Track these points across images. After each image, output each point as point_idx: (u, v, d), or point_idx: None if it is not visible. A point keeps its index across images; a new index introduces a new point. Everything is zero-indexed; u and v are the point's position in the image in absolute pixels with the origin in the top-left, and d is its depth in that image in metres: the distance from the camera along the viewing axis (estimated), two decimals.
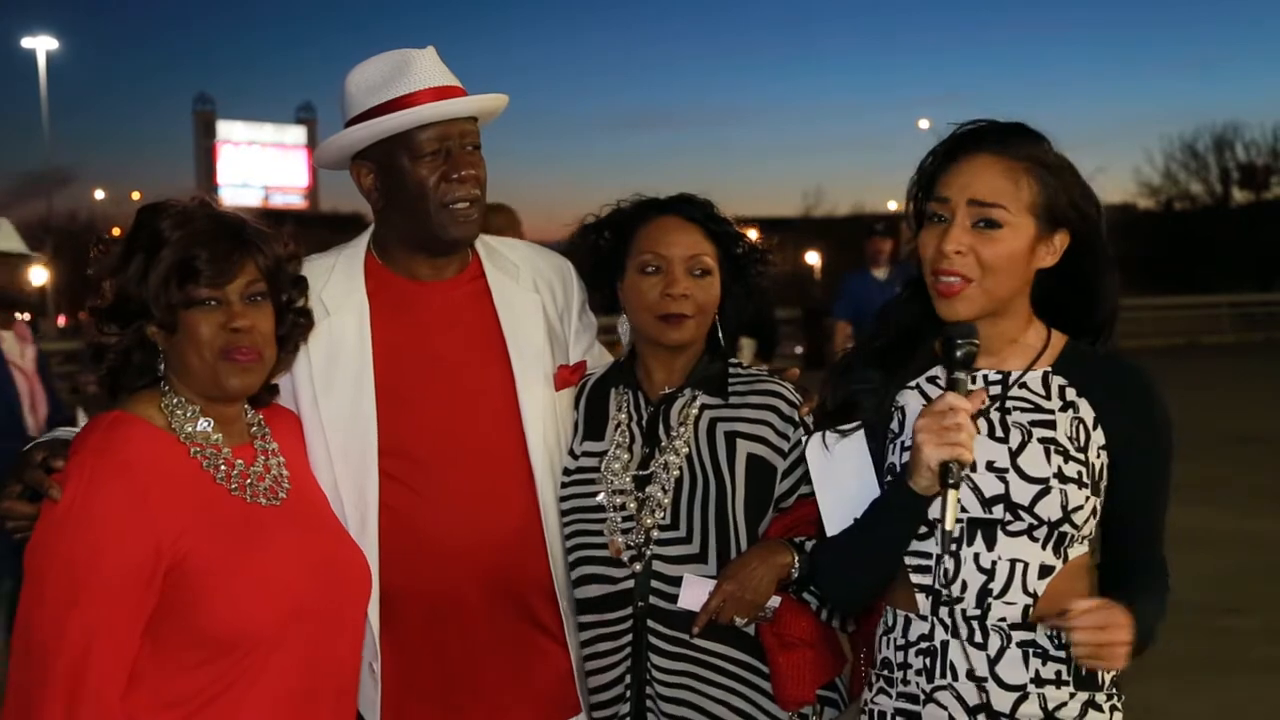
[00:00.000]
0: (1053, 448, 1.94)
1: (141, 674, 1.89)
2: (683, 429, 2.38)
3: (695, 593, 2.27)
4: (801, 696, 2.27)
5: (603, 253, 2.48)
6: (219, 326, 1.95)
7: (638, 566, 2.33)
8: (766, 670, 2.30)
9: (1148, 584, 2.00)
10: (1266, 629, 5.75)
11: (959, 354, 1.90)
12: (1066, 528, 1.93)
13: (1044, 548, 1.94)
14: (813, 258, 42.65)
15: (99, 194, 63.42)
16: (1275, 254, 38.01)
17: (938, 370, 2.04)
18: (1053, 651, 1.93)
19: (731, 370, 2.44)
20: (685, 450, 2.36)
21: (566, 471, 2.44)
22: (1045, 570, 1.94)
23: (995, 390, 2.00)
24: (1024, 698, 1.93)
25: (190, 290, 1.93)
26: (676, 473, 2.35)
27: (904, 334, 2.10)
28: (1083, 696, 1.94)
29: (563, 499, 2.42)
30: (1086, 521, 1.95)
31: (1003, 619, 1.94)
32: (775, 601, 2.25)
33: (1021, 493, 1.93)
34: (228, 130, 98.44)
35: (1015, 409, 1.98)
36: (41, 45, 41.03)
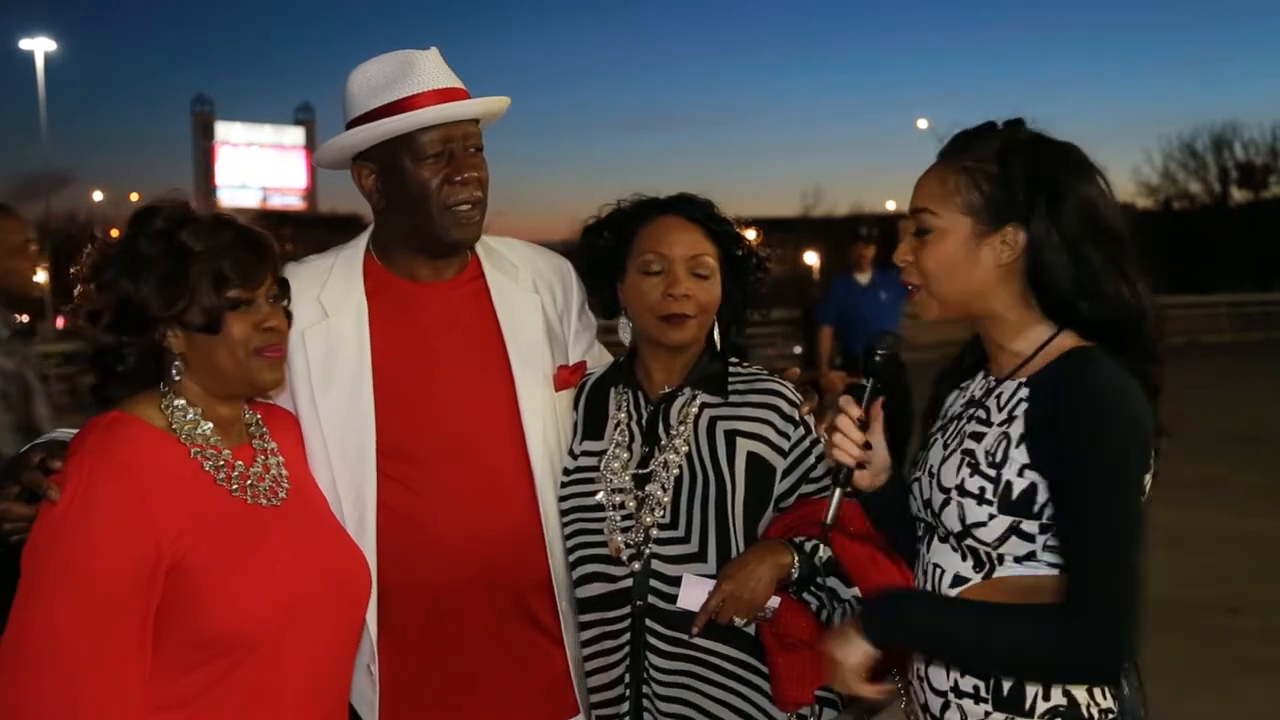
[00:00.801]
0: (966, 460, 1.92)
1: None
2: (682, 428, 2.38)
3: (694, 592, 2.27)
4: (800, 697, 2.27)
5: (602, 253, 2.48)
6: (253, 326, 2.01)
7: (636, 565, 2.33)
8: (765, 670, 2.30)
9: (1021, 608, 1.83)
10: (1265, 629, 5.74)
11: (874, 359, 2.02)
12: (973, 542, 1.90)
13: (963, 559, 1.93)
14: (811, 258, 42.67)
15: (97, 195, 63.35)
16: (1274, 253, 38.04)
17: (979, 374, 2.06)
18: None
19: (731, 369, 2.44)
20: (685, 449, 2.36)
21: (566, 471, 2.44)
22: (958, 580, 1.93)
23: (979, 395, 2.00)
24: (946, 705, 1.93)
25: (228, 293, 1.98)
26: (676, 471, 2.35)
27: (967, 341, 2.11)
28: (1000, 717, 1.87)
29: (562, 498, 2.42)
30: (1003, 541, 1.86)
31: None
32: (775, 601, 2.24)
33: (935, 500, 1.95)
34: (226, 131, 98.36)
35: (974, 418, 1.97)
36: (40, 47, 41.03)
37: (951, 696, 1.92)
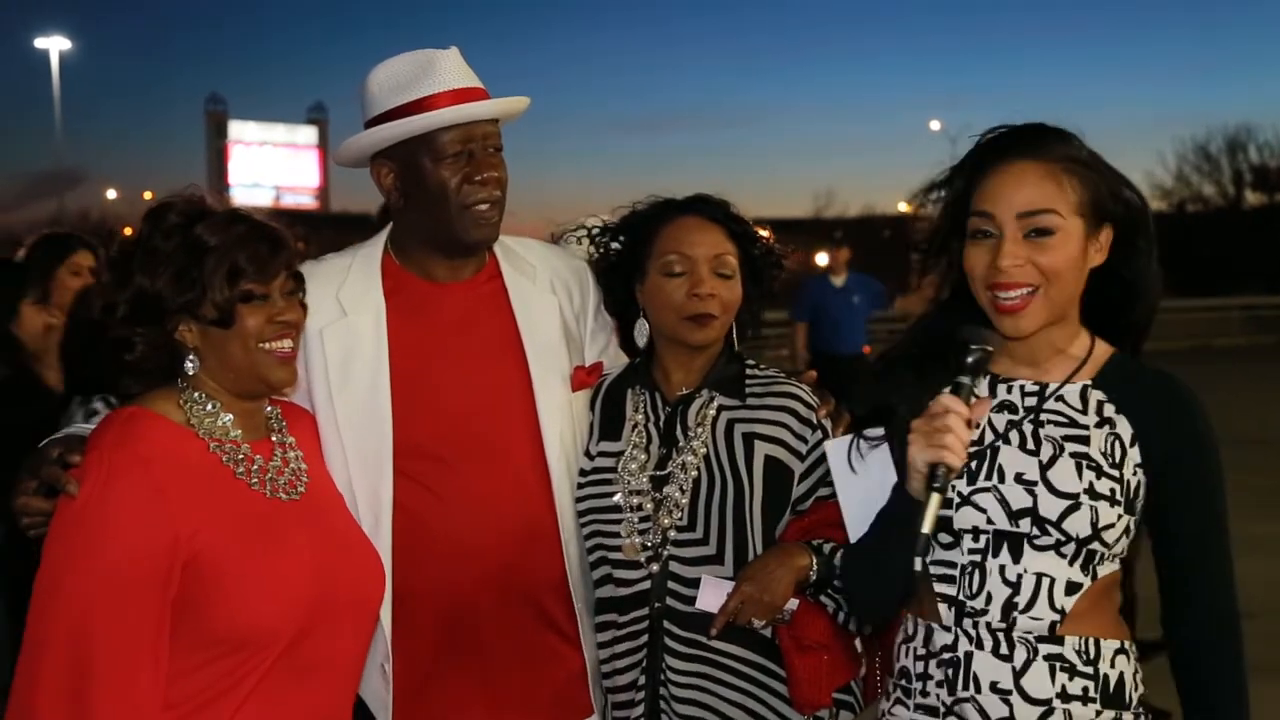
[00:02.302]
0: (1085, 463, 1.88)
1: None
2: (700, 430, 2.37)
3: (713, 594, 2.26)
4: (817, 700, 2.27)
5: (620, 255, 2.48)
6: (266, 320, 2.02)
7: (654, 567, 2.33)
8: (782, 672, 2.29)
9: (1214, 665, 1.95)
10: (1270, 634, 5.71)
11: (970, 359, 1.86)
12: (1096, 545, 1.88)
13: (1071, 564, 1.89)
14: (823, 259, 42.50)
15: (111, 193, 63.65)
16: None
17: (985, 379, 2.01)
18: (1080, 667, 1.89)
19: (749, 372, 2.43)
20: (703, 451, 2.35)
21: (583, 472, 2.44)
22: (1073, 587, 1.89)
23: (1031, 402, 1.96)
24: (1049, 712, 1.88)
25: (241, 286, 1.99)
26: (694, 473, 2.34)
27: (939, 340, 2.04)
28: (1109, 714, 1.89)
29: (579, 500, 2.42)
30: (1119, 540, 1.90)
31: (1029, 632, 1.90)
32: (793, 604, 2.24)
33: (1050, 507, 1.88)
34: (239, 130, 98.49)
35: (1049, 422, 1.93)
36: (54, 45, 41.18)
37: (1058, 702, 1.89)
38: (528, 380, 2.42)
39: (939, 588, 1.96)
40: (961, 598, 1.93)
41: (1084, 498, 1.87)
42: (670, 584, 2.31)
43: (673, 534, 2.32)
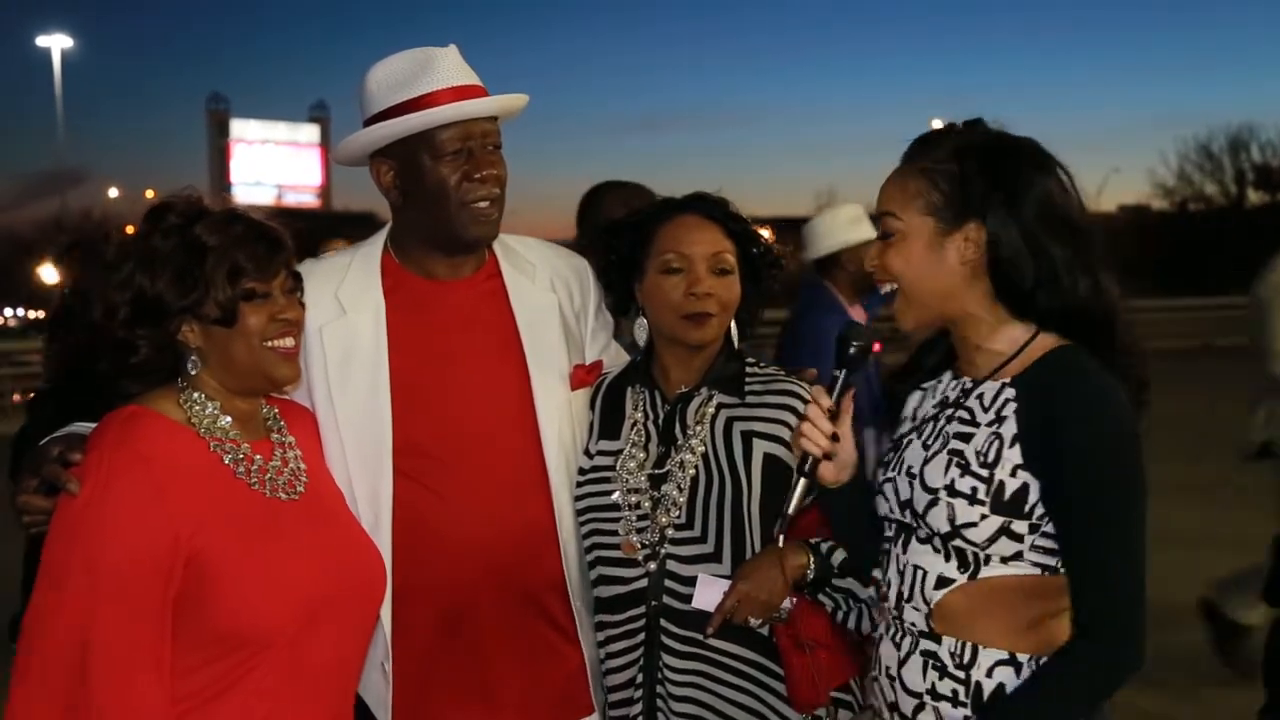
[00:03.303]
0: (955, 460, 1.90)
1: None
2: (699, 428, 2.37)
3: (710, 593, 2.26)
4: (815, 699, 2.27)
5: (619, 253, 2.48)
6: (268, 318, 2.03)
7: (652, 566, 2.33)
8: (780, 671, 2.29)
9: (1051, 669, 1.84)
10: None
11: (849, 351, 2.02)
12: (960, 542, 1.88)
13: (946, 560, 1.91)
14: None
15: (113, 192, 63.65)
16: None
17: (946, 375, 2.06)
18: (950, 669, 1.90)
19: (748, 370, 2.44)
20: (702, 449, 2.35)
21: (582, 471, 2.44)
22: (943, 581, 1.91)
23: (956, 397, 1.98)
24: (920, 706, 1.93)
25: (243, 285, 2.00)
26: (693, 471, 2.34)
27: (923, 342, 2.11)
28: None
29: (578, 498, 2.42)
30: (993, 541, 1.86)
31: (913, 624, 1.95)
32: (790, 602, 2.24)
33: (919, 500, 1.93)
34: (241, 129, 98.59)
35: (955, 419, 1.95)
36: (56, 44, 41.23)
37: (928, 699, 1.91)
38: (527, 379, 2.42)
39: (877, 572, 2.09)
40: (878, 582, 2.05)
41: (942, 494, 1.89)
42: (667, 582, 2.32)
43: (670, 532, 2.32)
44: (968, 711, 1.88)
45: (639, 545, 2.34)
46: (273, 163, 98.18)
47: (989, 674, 1.88)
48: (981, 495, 1.86)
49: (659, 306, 2.40)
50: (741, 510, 2.31)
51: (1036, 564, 1.87)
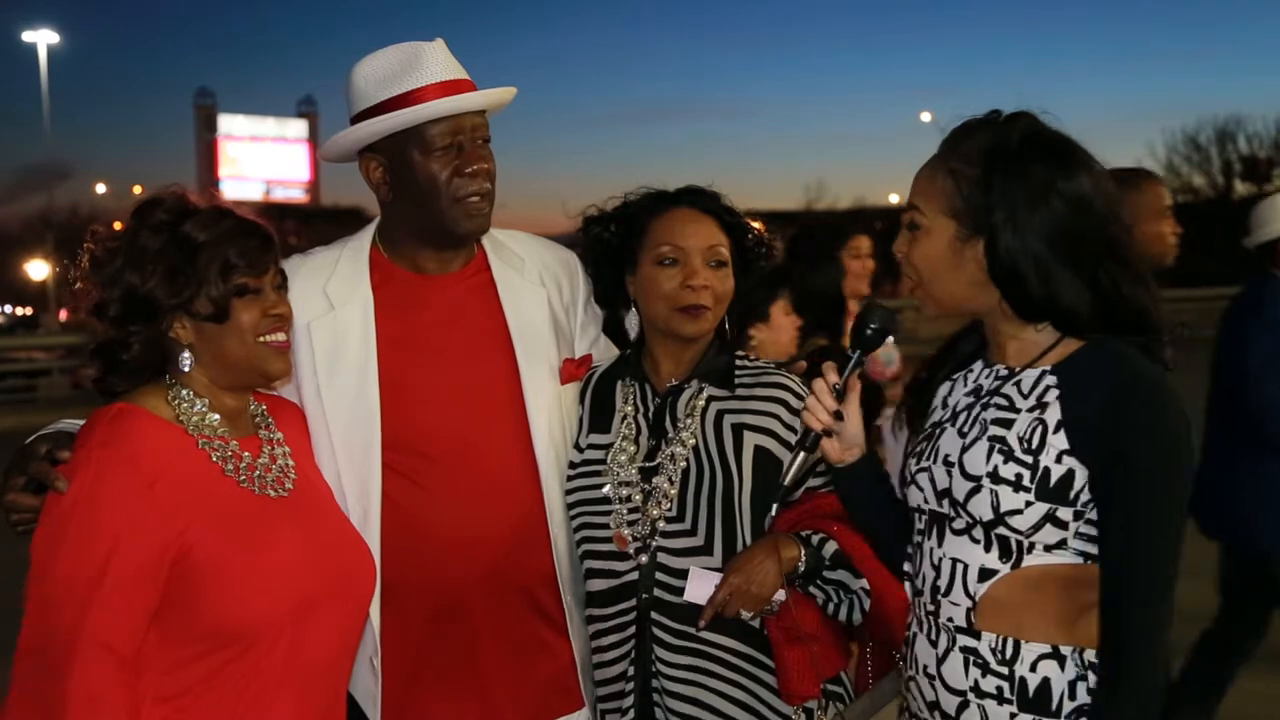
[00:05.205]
0: (997, 446, 1.86)
1: (140, 667, 1.89)
2: (689, 421, 2.37)
3: (701, 585, 2.26)
4: (806, 691, 2.26)
5: (610, 246, 2.48)
6: (261, 313, 2.03)
7: (643, 559, 2.32)
8: (771, 664, 2.29)
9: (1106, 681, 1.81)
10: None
11: (866, 331, 2.04)
12: (1004, 530, 1.85)
13: (987, 550, 1.88)
14: None
15: (100, 188, 63.35)
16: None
17: (978, 364, 2.03)
18: (993, 665, 1.87)
19: (739, 363, 2.44)
20: (692, 442, 2.35)
21: (572, 464, 2.43)
22: (985, 573, 1.88)
23: (995, 385, 1.94)
24: (965, 705, 1.90)
25: (236, 280, 2.00)
26: (683, 464, 2.34)
27: (957, 332, 2.10)
28: (1028, 718, 1.85)
29: (569, 492, 2.42)
30: (1038, 529, 1.83)
31: (950, 619, 1.92)
32: (782, 595, 2.24)
33: (959, 489, 1.89)
34: (229, 124, 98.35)
35: (993, 405, 1.92)
36: (43, 39, 41.07)
37: (972, 697, 1.89)
38: (516, 373, 2.42)
39: (908, 566, 2.05)
40: (912, 576, 2.01)
41: (985, 481, 1.86)
42: (659, 575, 2.31)
43: (661, 525, 2.32)
44: (1014, 708, 1.85)
45: (630, 538, 2.34)
46: (260, 158, 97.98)
47: (1033, 669, 1.85)
48: (1026, 482, 1.82)
49: (653, 298, 2.39)
50: (732, 503, 2.31)
51: (1080, 552, 1.84)
